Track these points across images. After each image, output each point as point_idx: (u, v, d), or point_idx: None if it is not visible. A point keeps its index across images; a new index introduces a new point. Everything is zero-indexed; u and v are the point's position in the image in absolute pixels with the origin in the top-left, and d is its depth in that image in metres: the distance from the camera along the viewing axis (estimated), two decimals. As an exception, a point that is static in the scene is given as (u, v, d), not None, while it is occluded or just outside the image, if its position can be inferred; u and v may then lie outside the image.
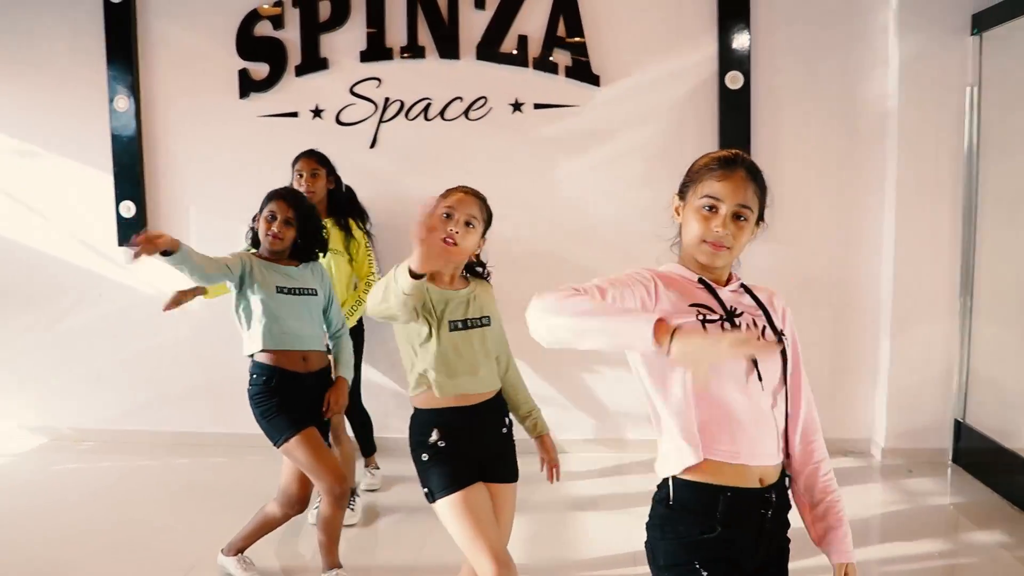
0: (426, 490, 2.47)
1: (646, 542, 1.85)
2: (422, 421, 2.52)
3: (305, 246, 3.30)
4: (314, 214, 3.36)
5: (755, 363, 1.73)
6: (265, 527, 3.39)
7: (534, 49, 4.73)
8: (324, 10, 4.79)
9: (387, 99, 4.84)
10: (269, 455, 3.50)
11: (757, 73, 4.64)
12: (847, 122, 4.69)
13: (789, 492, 1.87)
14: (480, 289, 2.61)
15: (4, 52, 5.08)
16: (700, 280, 1.81)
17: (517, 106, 4.78)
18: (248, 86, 4.88)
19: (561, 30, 4.71)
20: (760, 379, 1.74)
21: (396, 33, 4.79)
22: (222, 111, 4.92)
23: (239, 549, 3.43)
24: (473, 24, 4.75)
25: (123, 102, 4.93)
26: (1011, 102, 4.29)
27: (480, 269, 2.67)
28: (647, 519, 1.86)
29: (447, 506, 2.42)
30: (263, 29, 4.85)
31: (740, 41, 4.61)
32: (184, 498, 4.36)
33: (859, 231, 4.76)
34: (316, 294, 3.30)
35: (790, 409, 1.83)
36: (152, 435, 5.14)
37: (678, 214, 1.86)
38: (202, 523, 3.97)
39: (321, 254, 3.41)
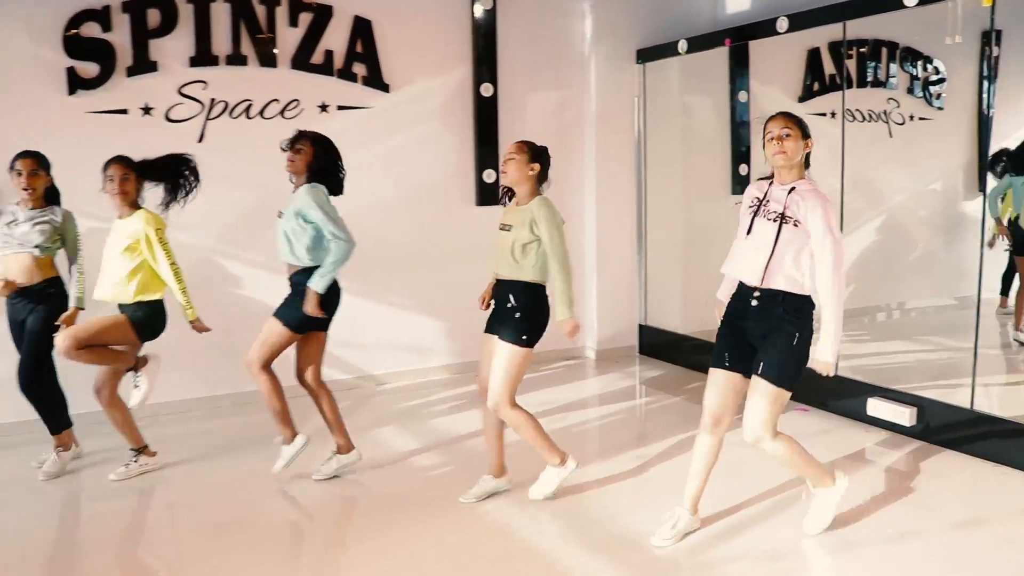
0: None
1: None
2: None
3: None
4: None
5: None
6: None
7: (338, 62, 5.86)
8: (153, 17, 5.37)
9: (213, 100, 5.57)
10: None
11: (503, 85, 6.33)
12: (562, 120, 6.62)
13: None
14: None
15: None
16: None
17: (324, 107, 5.85)
18: (76, 84, 5.24)
19: (359, 48, 5.90)
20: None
21: (221, 43, 5.55)
22: (47, 107, 5.18)
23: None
24: (288, 39, 5.72)
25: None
26: (660, 106, 6.58)
27: None
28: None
29: None
30: (91, 31, 5.24)
31: (490, 62, 6.25)
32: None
33: (570, 198, 6.71)
34: None
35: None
36: None
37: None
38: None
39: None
